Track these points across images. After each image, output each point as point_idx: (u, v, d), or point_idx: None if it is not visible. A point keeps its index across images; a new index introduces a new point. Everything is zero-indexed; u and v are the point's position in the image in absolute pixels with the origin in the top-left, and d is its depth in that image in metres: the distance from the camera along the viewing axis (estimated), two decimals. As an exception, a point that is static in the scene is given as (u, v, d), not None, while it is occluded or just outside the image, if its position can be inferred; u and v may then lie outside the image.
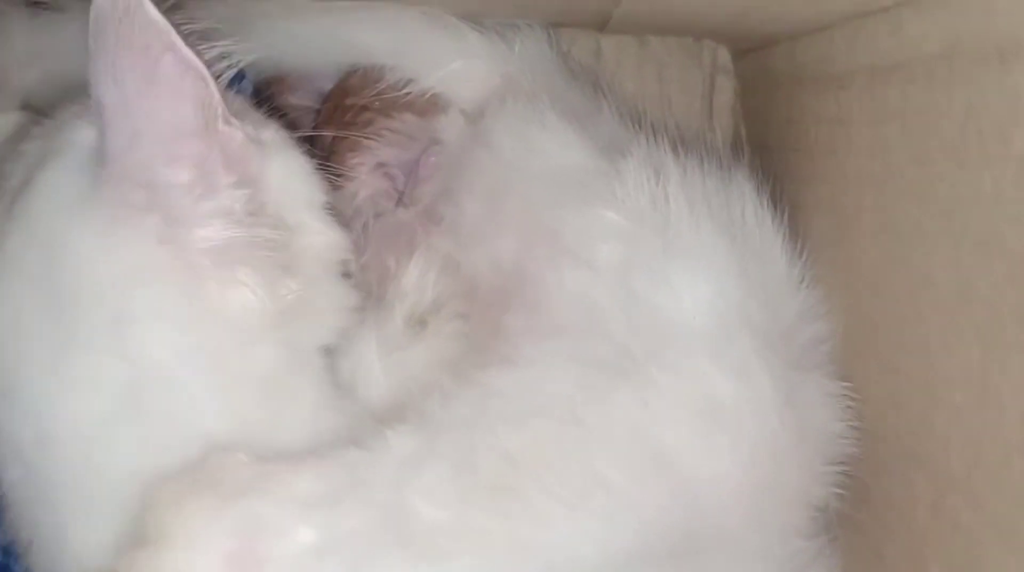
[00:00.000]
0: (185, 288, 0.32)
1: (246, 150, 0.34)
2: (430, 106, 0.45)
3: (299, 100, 0.48)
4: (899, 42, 0.32)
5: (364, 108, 0.45)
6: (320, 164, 0.46)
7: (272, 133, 0.37)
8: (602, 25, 0.50)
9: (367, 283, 0.43)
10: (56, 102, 0.43)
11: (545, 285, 0.37)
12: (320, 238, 0.37)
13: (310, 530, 0.30)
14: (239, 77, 0.45)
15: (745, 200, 0.39)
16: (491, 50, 0.45)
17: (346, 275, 0.38)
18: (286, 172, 0.36)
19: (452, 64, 0.45)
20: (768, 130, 0.50)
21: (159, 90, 0.31)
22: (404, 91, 0.45)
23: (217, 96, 0.32)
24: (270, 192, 0.35)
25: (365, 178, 0.45)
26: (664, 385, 0.33)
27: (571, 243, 0.37)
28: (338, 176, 0.45)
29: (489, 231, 0.40)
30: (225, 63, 0.36)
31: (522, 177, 0.40)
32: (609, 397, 0.33)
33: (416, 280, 0.42)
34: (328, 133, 0.46)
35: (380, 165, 0.46)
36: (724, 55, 0.55)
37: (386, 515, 0.31)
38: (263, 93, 0.47)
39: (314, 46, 0.45)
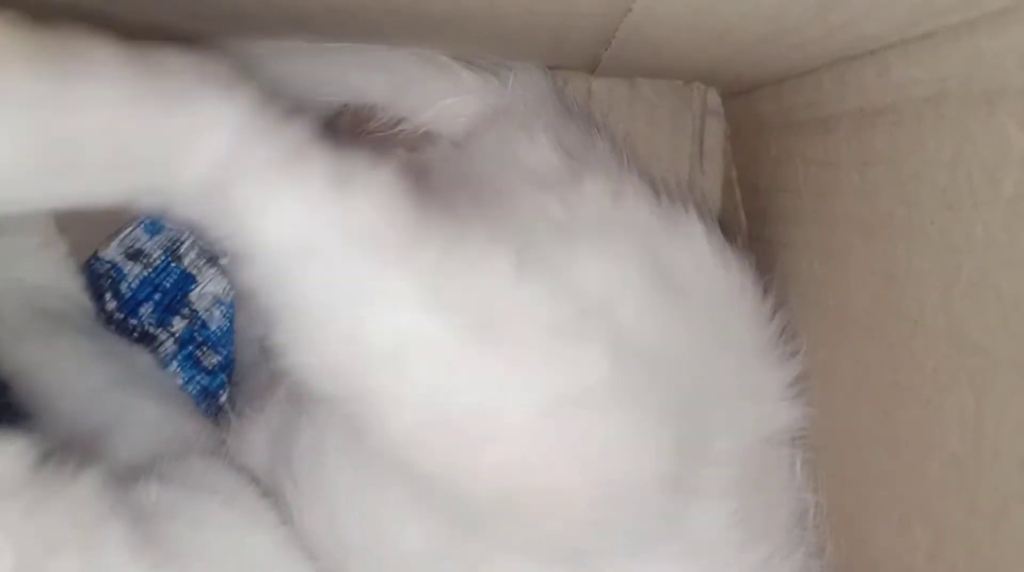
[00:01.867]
0: None
1: None
2: (421, 141, 0.45)
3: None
4: (886, 85, 0.32)
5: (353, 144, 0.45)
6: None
7: None
8: (592, 67, 0.50)
9: None
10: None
11: None
12: None
13: None
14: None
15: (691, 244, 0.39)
16: (484, 86, 0.46)
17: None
18: None
19: (444, 101, 0.45)
20: (758, 171, 0.50)
21: None
22: (396, 129, 0.45)
23: None
24: None
25: None
26: None
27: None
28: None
29: None
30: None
31: (494, 178, 0.40)
32: None
33: None
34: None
35: None
36: (714, 97, 0.55)
37: None
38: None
39: (305, 87, 0.45)
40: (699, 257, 0.39)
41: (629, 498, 0.32)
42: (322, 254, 0.28)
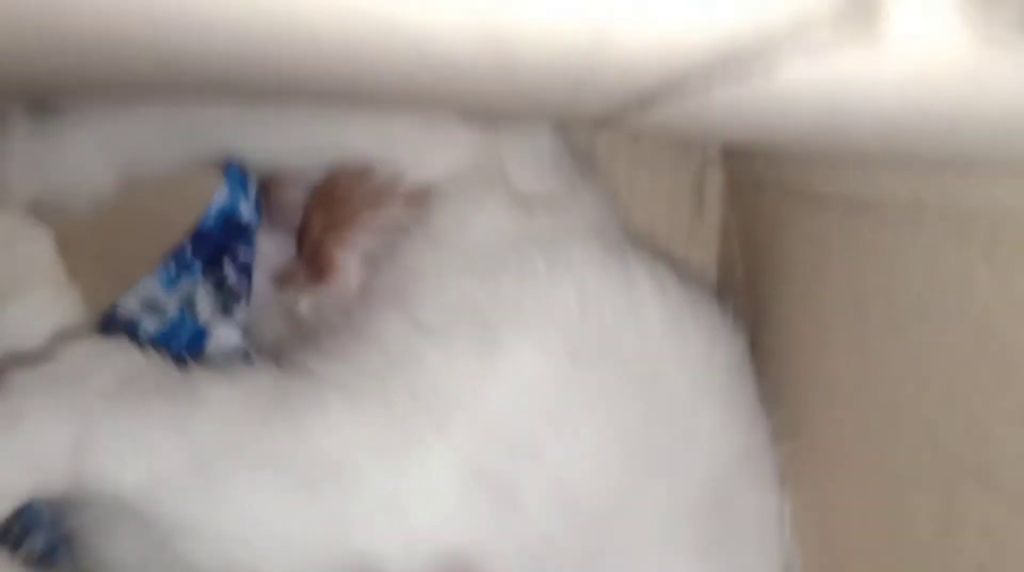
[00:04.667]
0: None
1: None
2: (420, 194, 0.47)
3: (294, 196, 0.49)
4: (871, 185, 0.34)
5: (352, 200, 0.47)
6: (308, 260, 0.48)
7: None
8: (598, 126, 0.51)
9: None
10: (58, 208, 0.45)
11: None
12: None
13: None
14: (244, 176, 0.47)
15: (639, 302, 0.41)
16: (479, 143, 0.47)
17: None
18: None
19: (439, 160, 0.46)
20: (754, 229, 0.51)
21: None
22: (395, 185, 0.46)
23: None
24: None
25: (354, 271, 0.47)
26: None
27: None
28: (325, 270, 0.47)
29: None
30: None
31: (441, 252, 0.42)
32: None
33: None
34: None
35: (369, 257, 0.47)
36: (714, 150, 0.56)
37: None
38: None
39: (305, 146, 0.47)
40: (645, 326, 0.40)
41: None
42: (172, 485, 0.35)
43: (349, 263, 0.47)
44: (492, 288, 0.39)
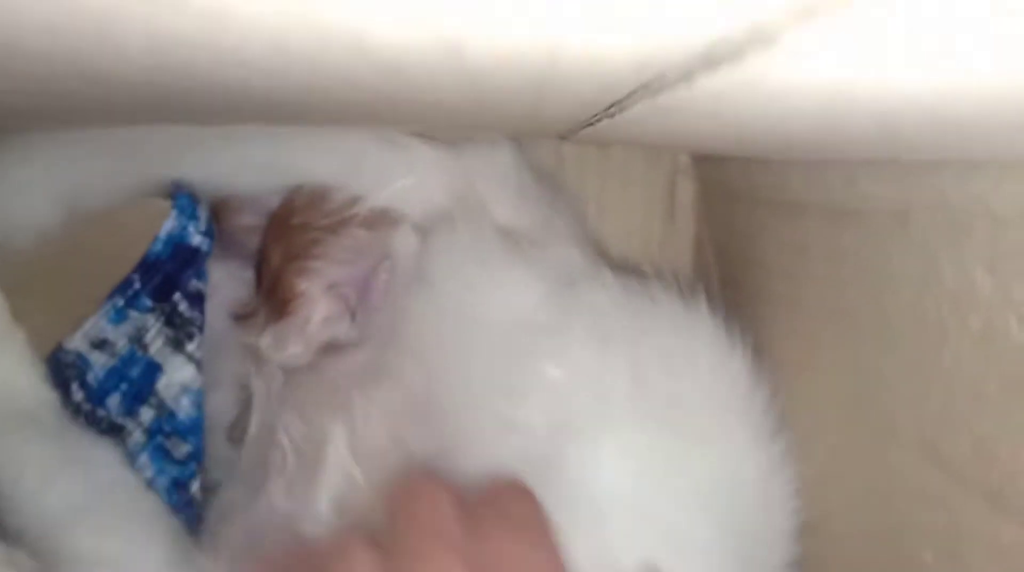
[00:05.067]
0: None
1: None
2: (381, 219, 0.44)
3: (247, 221, 0.47)
4: (852, 194, 0.32)
5: (310, 227, 0.45)
6: (268, 292, 0.45)
7: None
8: (563, 138, 0.49)
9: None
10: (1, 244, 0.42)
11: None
12: None
13: None
14: (194, 202, 0.44)
15: (701, 347, 0.39)
16: (441, 162, 0.45)
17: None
18: None
19: (401, 180, 0.44)
20: (728, 239, 0.50)
21: None
22: (353, 209, 0.44)
23: None
24: None
25: (316, 302, 0.45)
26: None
27: (505, 402, 0.37)
28: (287, 302, 0.45)
29: (429, 407, 0.39)
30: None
31: (465, 329, 0.40)
32: None
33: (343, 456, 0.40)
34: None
35: (331, 286, 0.45)
36: (684, 158, 0.55)
37: None
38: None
39: (259, 170, 0.45)
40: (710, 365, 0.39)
41: None
42: None
43: (312, 293, 0.44)
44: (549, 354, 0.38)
